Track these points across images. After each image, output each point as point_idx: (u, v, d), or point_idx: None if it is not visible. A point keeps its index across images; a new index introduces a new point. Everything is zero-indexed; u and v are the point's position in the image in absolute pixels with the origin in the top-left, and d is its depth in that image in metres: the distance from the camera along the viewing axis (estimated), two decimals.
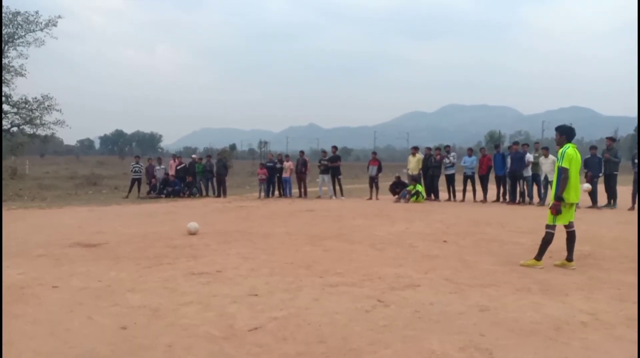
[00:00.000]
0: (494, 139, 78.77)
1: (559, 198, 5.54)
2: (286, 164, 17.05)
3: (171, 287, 4.93)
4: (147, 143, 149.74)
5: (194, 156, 20.56)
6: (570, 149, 5.60)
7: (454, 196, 15.12)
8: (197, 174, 17.97)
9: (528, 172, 13.59)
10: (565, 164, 5.51)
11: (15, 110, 32.82)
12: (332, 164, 16.42)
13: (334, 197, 16.16)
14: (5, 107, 32.61)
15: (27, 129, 33.43)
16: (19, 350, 3.33)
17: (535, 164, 13.42)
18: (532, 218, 9.86)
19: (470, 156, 15.19)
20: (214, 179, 17.89)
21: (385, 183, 17.70)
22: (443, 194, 15.53)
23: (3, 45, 31.40)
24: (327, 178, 16.56)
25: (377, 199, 15.58)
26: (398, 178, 16.42)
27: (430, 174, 15.24)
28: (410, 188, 14.83)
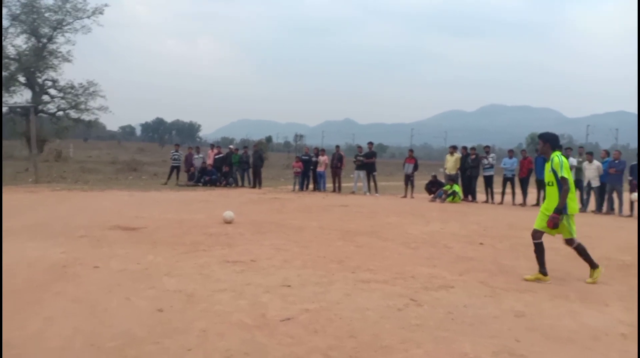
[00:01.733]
0: (536, 142, 76.57)
1: (559, 211, 5.20)
2: (321, 158, 17.08)
3: (206, 274, 5.04)
4: (186, 132, 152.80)
5: (231, 146, 20.86)
6: (564, 157, 5.33)
7: (492, 198, 14.81)
8: (234, 165, 18.24)
9: None
10: (566, 174, 5.18)
11: (61, 95, 34.20)
12: (367, 160, 16.34)
13: (368, 193, 16.10)
14: (52, 91, 34.03)
15: (73, 113, 34.82)
16: (60, 327, 3.47)
17: (579, 170, 12.98)
18: None
19: (510, 157, 14.83)
20: (250, 170, 18.12)
21: (420, 181, 17.51)
22: (480, 195, 15.23)
23: (52, 31, 32.61)
24: (362, 174, 16.50)
25: (412, 197, 15.43)
26: (434, 177, 16.20)
27: (468, 174, 14.97)
28: (446, 187, 14.62)
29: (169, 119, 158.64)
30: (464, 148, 15.67)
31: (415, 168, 16.05)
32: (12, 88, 32.24)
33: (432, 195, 15.08)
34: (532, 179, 14.39)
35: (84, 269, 5.09)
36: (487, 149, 15.65)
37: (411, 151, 17.08)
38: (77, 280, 4.69)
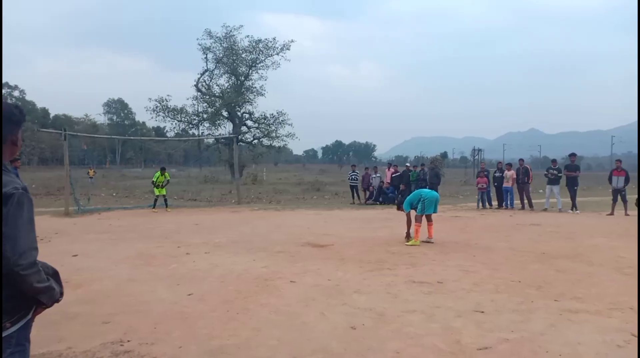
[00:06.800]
0: None
1: None
2: (508, 173, 15.92)
3: (393, 293, 5.03)
4: (363, 152, 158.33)
5: (407, 164, 20.84)
6: None
7: None
8: (411, 183, 18.14)
9: None
10: None
11: (256, 125, 38.43)
12: (569, 174, 14.71)
13: (570, 211, 14.39)
14: (249, 123, 38.47)
15: (265, 141, 38.79)
16: (265, 336, 3.78)
17: None
18: None
19: None
20: (427, 188, 17.79)
21: (632, 195, 15.07)
22: None
23: (248, 69, 36.99)
24: (555, 188, 14.89)
25: (626, 215, 13.32)
26: None
27: None
28: None
29: (346, 141, 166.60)
30: None
31: (627, 180, 13.91)
32: (217, 122, 37.33)
33: None
34: None
35: (282, 283, 5.51)
36: None
37: (619, 161, 14.81)
38: (277, 292, 5.09)
